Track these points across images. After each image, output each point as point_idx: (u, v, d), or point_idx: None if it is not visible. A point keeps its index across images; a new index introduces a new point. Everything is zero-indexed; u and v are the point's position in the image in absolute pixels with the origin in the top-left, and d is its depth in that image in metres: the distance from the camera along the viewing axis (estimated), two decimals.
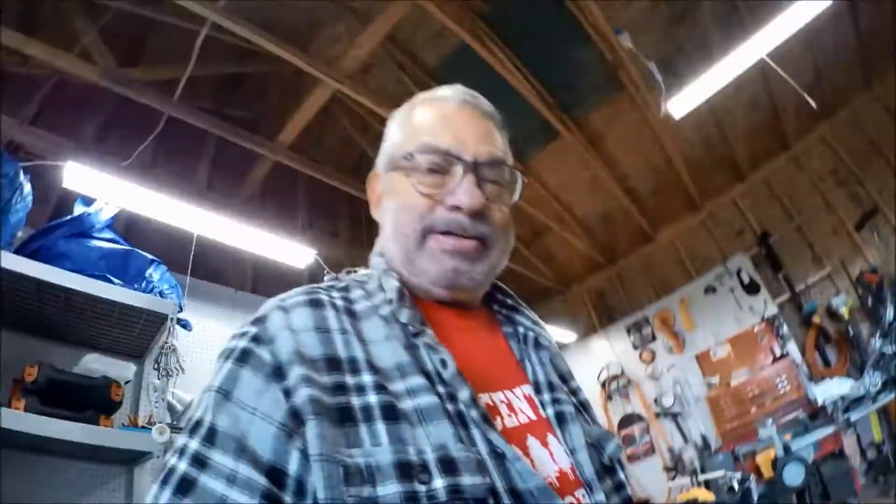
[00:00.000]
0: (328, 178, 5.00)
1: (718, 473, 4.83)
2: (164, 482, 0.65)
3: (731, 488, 4.54)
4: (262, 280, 4.98)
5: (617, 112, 5.66)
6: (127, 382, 2.99)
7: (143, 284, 3.24)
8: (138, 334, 3.25)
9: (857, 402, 4.20)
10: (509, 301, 1.04)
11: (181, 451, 0.67)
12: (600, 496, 0.78)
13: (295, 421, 0.65)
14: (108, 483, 2.97)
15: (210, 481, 0.63)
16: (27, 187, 2.77)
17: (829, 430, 4.26)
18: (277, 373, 0.69)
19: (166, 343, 3.09)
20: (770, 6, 4.20)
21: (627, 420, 6.39)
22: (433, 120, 0.95)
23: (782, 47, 3.88)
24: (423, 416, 0.70)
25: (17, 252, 2.66)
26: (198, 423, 0.69)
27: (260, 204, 4.99)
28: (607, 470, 0.85)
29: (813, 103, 4.41)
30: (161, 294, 3.23)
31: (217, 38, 3.86)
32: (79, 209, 3.21)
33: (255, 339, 0.74)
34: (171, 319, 3.12)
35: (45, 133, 3.69)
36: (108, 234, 3.23)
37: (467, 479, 0.64)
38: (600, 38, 4.87)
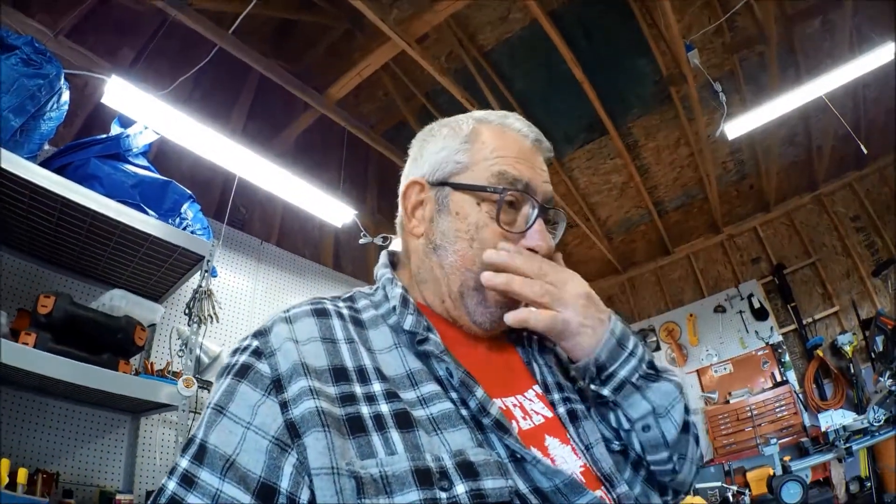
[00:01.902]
0: (373, 141, 4.52)
1: (713, 484, 4.73)
2: (154, 503, 0.60)
3: (726, 499, 4.50)
4: (289, 234, 4.48)
5: (659, 125, 5.42)
6: (151, 326, 2.49)
7: (177, 221, 2.74)
8: (162, 275, 2.77)
9: (857, 433, 4.15)
10: None
11: (173, 471, 0.61)
12: (622, 489, 0.71)
13: (290, 434, 0.59)
14: (113, 431, 2.49)
15: (196, 501, 0.56)
16: (65, 95, 2.25)
17: (830, 455, 4.22)
18: (276, 385, 0.62)
19: (200, 287, 2.59)
20: (824, 55, 4.45)
21: None
22: (511, 150, 0.85)
23: (831, 93, 3.81)
24: (438, 424, 0.64)
25: (42, 166, 2.12)
26: (191, 441, 0.62)
27: (292, 159, 4.48)
28: (623, 454, 0.79)
29: (864, 148, 4.30)
30: (193, 234, 2.73)
31: None
32: (115, 130, 2.69)
33: (256, 352, 0.67)
34: (208, 262, 2.62)
35: (81, 49, 3.14)
36: (143, 162, 2.72)
37: (489, 483, 0.58)
38: (660, 52, 4.66)
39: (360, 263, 5.17)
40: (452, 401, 0.67)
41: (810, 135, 5.42)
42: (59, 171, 2.16)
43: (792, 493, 3.97)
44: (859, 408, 4.73)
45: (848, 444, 4.06)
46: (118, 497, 2.07)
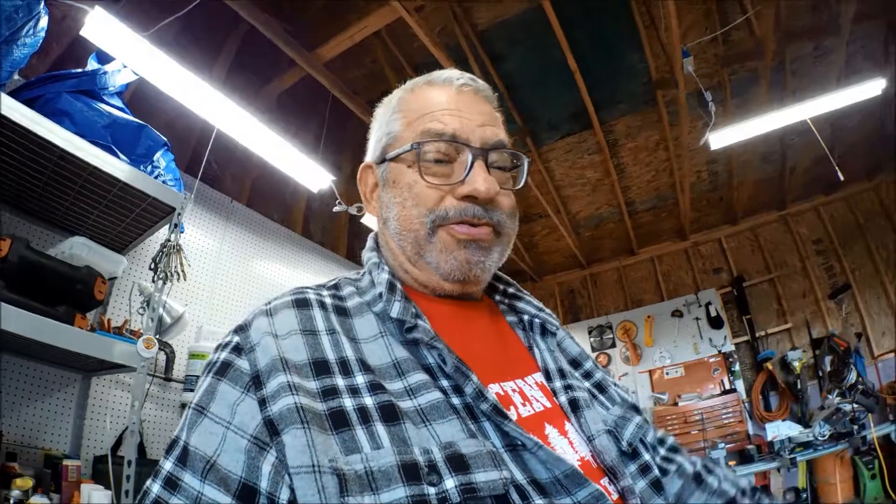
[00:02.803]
0: (357, 107, 4.33)
1: None
2: None
3: None
4: (260, 195, 4.25)
5: (641, 126, 5.38)
6: (112, 279, 2.29)
7: (149, 169, 2.52)
8: (127, 225, 2.56)
9: (802, 446, 4.33)
10: (510, 290, 0.93)
11: (157, 473, 0.59)
12: (626, 482, 0.66)
13: (269, 432, 0.55)
14: (61, 390, 2.28)
15: None
16: (43, 21, 2.01)
17: (774, 464, 4.38)
18: (255, 382, 0.59)
19: (169, 241, 2.39)
20: (812, 80, 4.58)
21: None
22: (435, 105, 0.81)
23: (814, 117, 3.85)
24: (426, 415, 0.59)
25: (10, 96, 1.89)
26: (174, 443, 0.60)
27: (272, 117, 4.25)
28: (629, 455, 0.72)
29: (841, 175, 4.29)
30: (164, 184, 2.52)
31: None
32: (92, 66, 2.45)
33: (236, 349, 0.64)
34: (179, 215, 2.43)
35: None
36: (118, 103, 2.50)
37: (481, 476, 0.54)
38: (653, 55, 4.61)
39: (330, 232, 5.01)
40: (442, 390, 0.63)
41: (785, 155, 5.50)
42: (28, 103, 1.93)
43: None
44: (802, 422, 4.89)
45: (792, 455, 4.20)
46: (65, 462, 1.89)
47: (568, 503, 0.58)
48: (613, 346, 6.30)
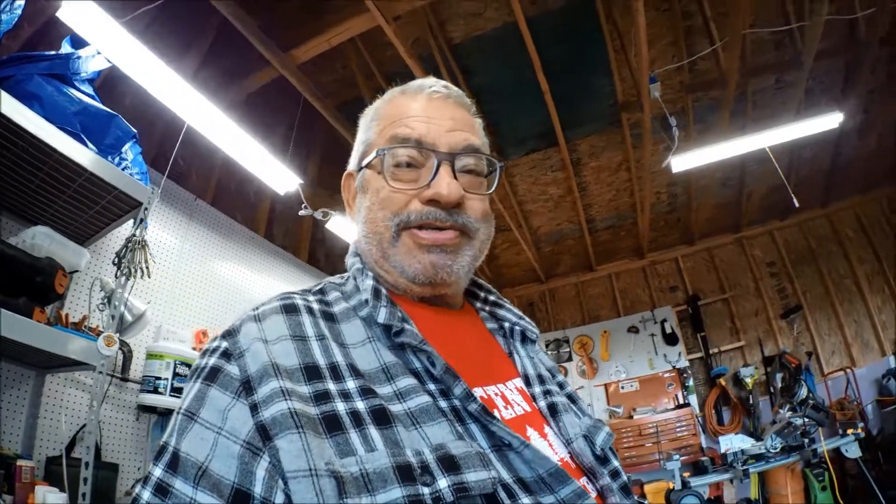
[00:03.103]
0: (327, 111, 4.27)
1: None
2: None
3: None
4: (225, 195, 4.13)
5: (605, 147, 5.50)
6: (73, 272, 2.17)
7: (116, 160, 2.43)
8: (90, 217, 2.45)
9: (754, 458, 4.43)
10: (491, 297, 0.93)
11: (146, 480, 0.58)
12: (604, 481, 0.69)
13: (261, 437, 0.54)
14: (14, 387, 2.15)
15: None
16: None
17: (727, 475, 4.49)
18: (246, 387, 0.58)
19: (135, 236, 2.29)
20: (771, 111, 4.79)
21: None
22: (404, 112, 0.82)
23: (773, 146, 4.03)
24: (416, 418, 0.60)
25: None
26: (163, 448, 0.59)
27: (241, 116, 4.15)
28: (601, 460, 0.73)
29: (796, 202, 4.47)
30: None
31: None
32: (66, 49, 2.35)
33: (225, 354, 0.62)
34: (146, 209, 2.33)
35: None
36: (89, 90, 2.40)
37: (472, 476, 0.55)
38: (620, 78, 4.72)
39: (293, 235, 4.92)
40: (430, 393, 0.64)
41: (743, 181, 5.70)
42: None
43: None
44: (754, 435, 5.04)
45: (745, 467, 4.32)
46: (19, 463, 1.77)
47: (552, 501, 0.58)
48: (570, 359, 6.37)
